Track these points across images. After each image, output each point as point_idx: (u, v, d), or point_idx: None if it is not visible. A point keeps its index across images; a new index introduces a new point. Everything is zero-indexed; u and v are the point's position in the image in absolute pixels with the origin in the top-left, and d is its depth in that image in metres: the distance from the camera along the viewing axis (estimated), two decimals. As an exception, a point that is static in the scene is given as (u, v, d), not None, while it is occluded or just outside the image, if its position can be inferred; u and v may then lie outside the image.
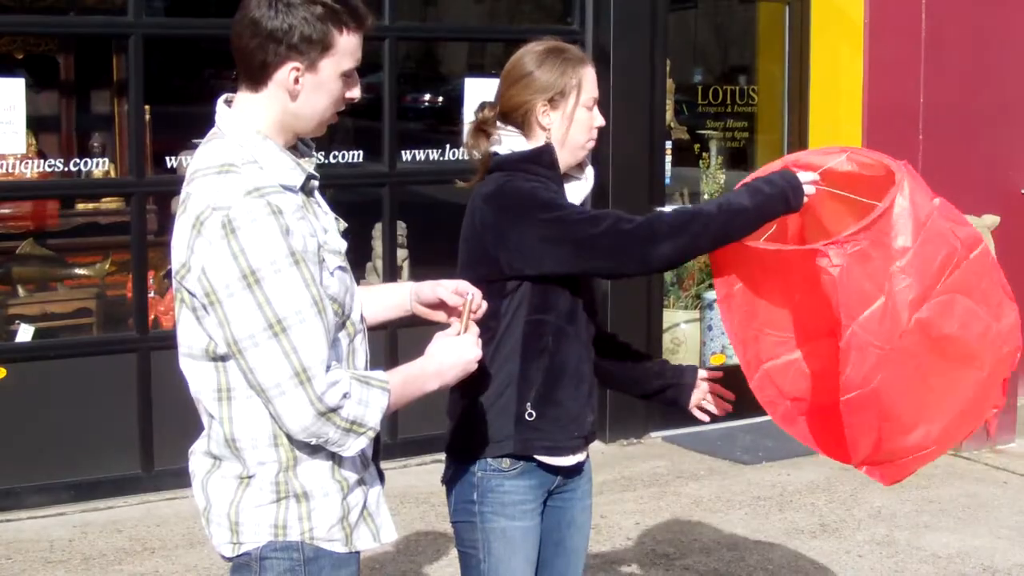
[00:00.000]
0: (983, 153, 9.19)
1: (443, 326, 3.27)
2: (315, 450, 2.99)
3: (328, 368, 2.88)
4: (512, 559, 3.74)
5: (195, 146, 3.10)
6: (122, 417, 7.21)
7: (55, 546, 6.52)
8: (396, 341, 7.65)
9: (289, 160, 2.98)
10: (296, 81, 2.95)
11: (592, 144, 3.79)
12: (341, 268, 3.05)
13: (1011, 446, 8.45)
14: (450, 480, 3.84)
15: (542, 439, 3.72)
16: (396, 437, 7.64)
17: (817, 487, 7.54)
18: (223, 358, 2.95)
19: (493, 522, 3.74)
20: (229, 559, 3.07)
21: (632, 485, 7.24)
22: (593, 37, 8.24)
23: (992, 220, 8.45)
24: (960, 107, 9.02)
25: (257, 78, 2.98)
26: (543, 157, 3.70)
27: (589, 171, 3.88)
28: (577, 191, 3.82)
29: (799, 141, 9.28)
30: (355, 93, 3.07)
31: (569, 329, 3.72)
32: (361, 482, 3.11)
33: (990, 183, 9.14)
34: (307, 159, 3.08)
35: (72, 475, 7.13)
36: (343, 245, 3.13)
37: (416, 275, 8.57)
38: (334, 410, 2.87)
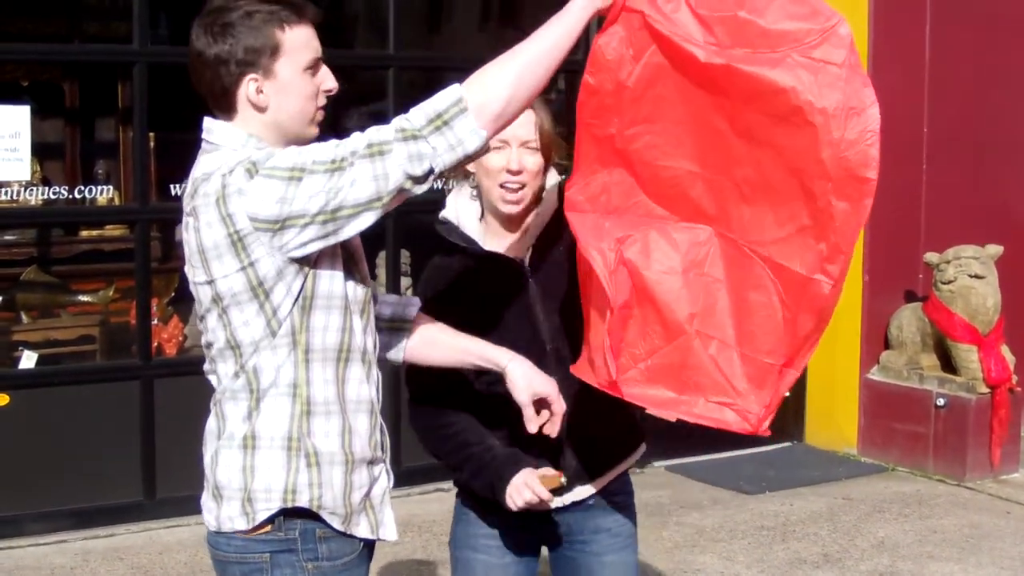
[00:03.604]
0: (987, 183, 9.19)
1: None
2: (328, 411, 3.06)
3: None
4: None
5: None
6: (124, 444, 7.20)
7: (56, 574, 6.50)
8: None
9: None
10: (259, 91, 3.02)
11: None
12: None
13: (1015, 476, 8.43)
14: None
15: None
16: (401, 466, 7.62)
17: (820, 517, 7.53)
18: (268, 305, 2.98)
19: (459, 550, 3.77)
20: (243, 542, 3.06)
21: (635, 514, 7.23)
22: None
23: (995, 250, 8.45)
24: (964, 137, 9.03)
25: (224, 105, 3.06)
26: None
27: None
28: None
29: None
30: (330, 84, 3.12)
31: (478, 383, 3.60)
32: (370, 464, 3.17)
33: (994, 213, 9.14)
34: None
35: (74, 502, 7.12)
36: None
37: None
38: (404, 128, 2.92)
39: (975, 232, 8.67)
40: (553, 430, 3.32)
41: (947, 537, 7.22)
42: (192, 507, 3.15)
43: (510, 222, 3.61)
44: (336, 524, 3.09)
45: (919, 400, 8.56)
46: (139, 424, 7.24)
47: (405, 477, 7.65)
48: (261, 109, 3.03)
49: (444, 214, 3.70)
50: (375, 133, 2.94)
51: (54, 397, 7.18)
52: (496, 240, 3.63)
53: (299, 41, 3.04)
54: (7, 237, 8.80)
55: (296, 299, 2.98)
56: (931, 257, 8.53)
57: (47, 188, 8.07)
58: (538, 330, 3.59)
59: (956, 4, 9.01)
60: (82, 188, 8.18)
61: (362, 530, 3.16)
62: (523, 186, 3.51)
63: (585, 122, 3.24)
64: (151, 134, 7.51)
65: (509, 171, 3.49)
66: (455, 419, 3.62)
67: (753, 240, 3.22)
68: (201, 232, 2.97)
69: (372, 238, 3.22)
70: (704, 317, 3.24)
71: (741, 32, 3.13)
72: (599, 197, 3.31)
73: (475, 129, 2.94)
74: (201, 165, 3.05)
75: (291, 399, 3.03)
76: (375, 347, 3.23)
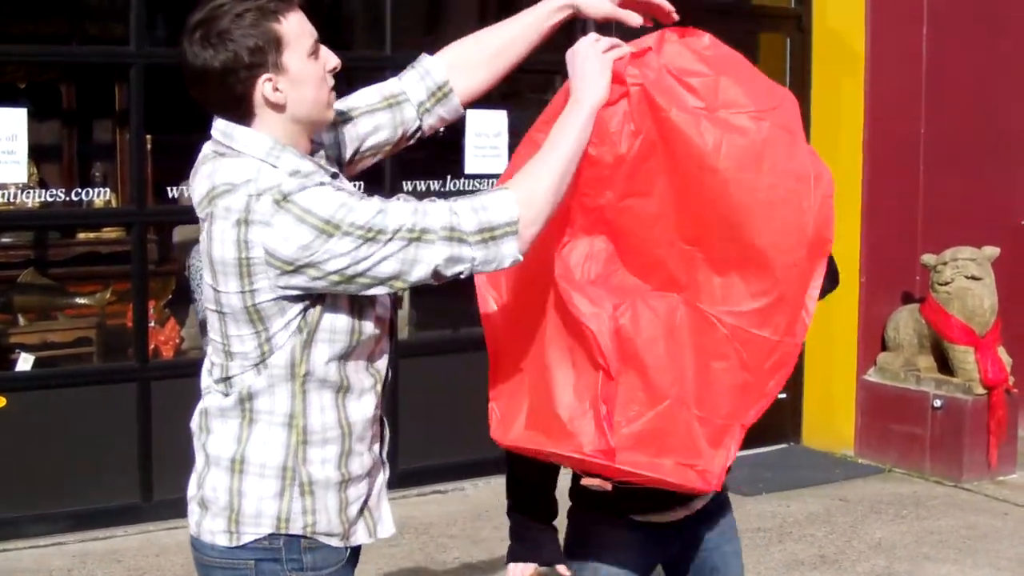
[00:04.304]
0: (984, 184, 9.20)
1: None
2: (326, 439, 2.99)
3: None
4: None
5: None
6: (122, 447, 7.20)
7: (54, 576, 6.51)
8: (398, 370, 7.65)
9: (311, 164, 2.96)
10: (275, 90, 2.92)
11: None
12: None
13: (1012, 477, 8.44)
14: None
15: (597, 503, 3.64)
16: (396, 468, 7.63)
17: (817, 518, 7.53)
18: (270, 350, 2.93)
19: (586, 567, 3.68)
20: (226, 548, 3.02)
21: (632, 516, 7.23)
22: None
23: (992, 251, 8.46)
24: (961, 139, 9.04)
25: (241, 112, 2.95)
26: None
27: None
28: None
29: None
30: (333, 62, 3.03)
31: None
32: (367, 475, 3.11)
33: (990, 214, 9.15)
34: (326, 162, 3.09)
35: (71, 505, 7.12)
36: None
37: (418, 304, 8.57)
38: (453, 228, 2.87)
39: (972, 233, 8.67)
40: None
41: (944, 538, 7.22)
42: (188, 508, 3.13)
43: None
44: (335, 543, 3.04)
45: (916, 401, 8.57)
46: (136, 426, 7.23)
47: (403, 479, 7.66)
48: (280, 107, 2.94)
49: None
50: (422, 217, 2.87)
51: (51, 399, 7.17)
52: None
53: (296, 28, 2.94)
54: (4, 239, 8.80)
55: (294, 330, 2.91)
56: (928, 259, 8.53)
57: (44, 190, 8.08)
58: None
59: (953, 6, 9.02)
60: (79, 190, 8.17)
61: (360, 537, 3.11)
62: None
63: (579, 191, 3.25)
64: (148, 136, 7.50)
65: None
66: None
67: (723, 311, 3.27)
68: (213, 242, 2.89)
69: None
70: (681, 386, 3.29)
71: (723, 94, 3.22)
72: (583, 264, 3.35)
73: (515, 253, 2.95)
74: (222, 171, 2.92)
75: (287, 429, 2.97)
76: (387, 370, 3.16)
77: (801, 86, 9.29)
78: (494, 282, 3.45)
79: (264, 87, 2.92)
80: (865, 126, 8.91)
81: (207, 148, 3.03)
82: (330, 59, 3.03)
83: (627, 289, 3.34)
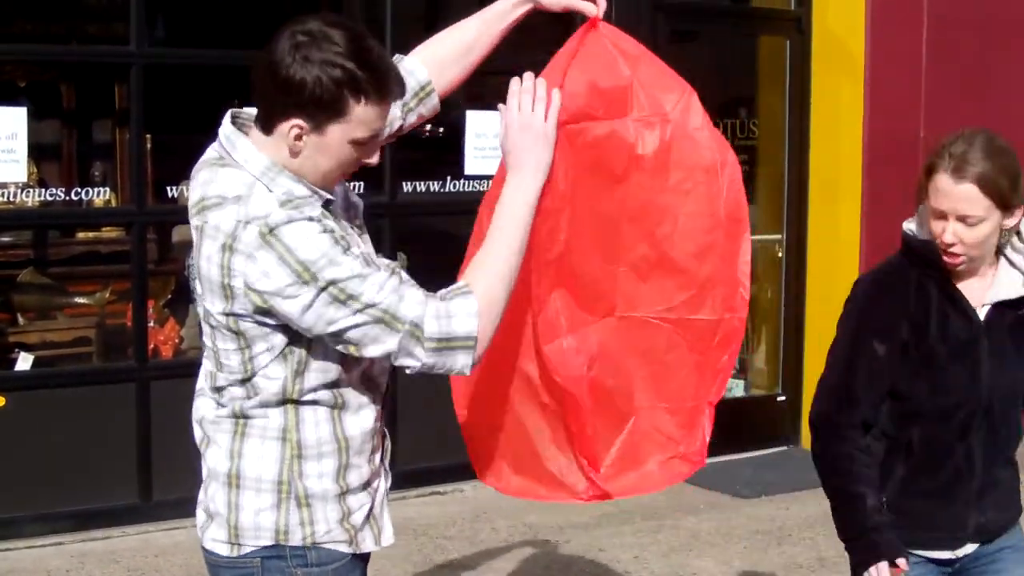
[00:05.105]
0: (983, 187, 9.18)
1: None
2: (321, 453, 2.98)
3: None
4: None
5: (197, 176, 3.05)
6: (121, 447, 7.20)
7: (52, 576, 6.51)
8: (395, 372, 7.63)
9: (305, 189, 2.89)
10: (298, 138, 2.84)
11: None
12: None
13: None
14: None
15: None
16: (394, 469, 7.61)
17: (816, 522, 7.51)
18: (252, 375, 2.93)
19: None
20: (228, 558, 3.03)
21: (630, 518, 7.22)
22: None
23: (992, 254, 8.44)
24: (961, 141, 9.03)
25: (265, 123, 2.89)
26: None
27: None
28: None
29: (799, 174, 9.29)
30: (372, 160, 2.97)
31: (939, 426, 3.63)
32: (367, 484, 3.11)
33: (990, 217, 9.14)
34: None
35: (70, 505, 7.12)
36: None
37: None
38: (417, 325, 2.84)
39: (972, 236, 8.65)
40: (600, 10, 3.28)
41: (943, 541, 7.20)
42: (188, 510, 3.14)
43: (954, 273, 3.66)
44: (343, 548, 3.04)
45: (915, 404, 8.54)
46: (135, 426, 7.23)
47: (401, 480, 7.62)
48: (292, 152, 2.86)
49: (924, 234, 3.73)
50: (396, 300, 2.83)
51: (50, 399, 7.17)
52: (957, 279, 3.67)
53: (366, 118, 2.85)
54: (3, 239, 8.79)
55: (278, 356, 2.90)
56: (928, 261, 8.51)
57: (44, 190, 8.07)
58: (979, 386, 3.60)
59: (953, 7, 9.02)
60: (79, 190, 8.16)
61: (367, 544, 3.13)
62: (959, 254, 3.59)
63: (539, 248, 3.27)
64: (148, 136, 7.51)
65: (943, 241, 3.59)
66: (855, 452, 3.68)
67: (659, 310, 3.37)
68: (201, 258, 2.88)
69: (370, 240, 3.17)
70: (639, 394, 3.43)
71: (635, 98, 3.26)
72: (557, 320, 3.40)
73: (467, 365, 2.93)
74: (216, 182, 2.89)
75: (281, 443, 2.96)
76: (385, 385, 3.15)
77: (801, 88, 9.30)
78: None
79: (291, 130, 2.85)
80: (865, 128, 8.90)
81: (211, 151, 3.00)
82: (372, 157, 2.97)
83: (587, 332, 3.41)
